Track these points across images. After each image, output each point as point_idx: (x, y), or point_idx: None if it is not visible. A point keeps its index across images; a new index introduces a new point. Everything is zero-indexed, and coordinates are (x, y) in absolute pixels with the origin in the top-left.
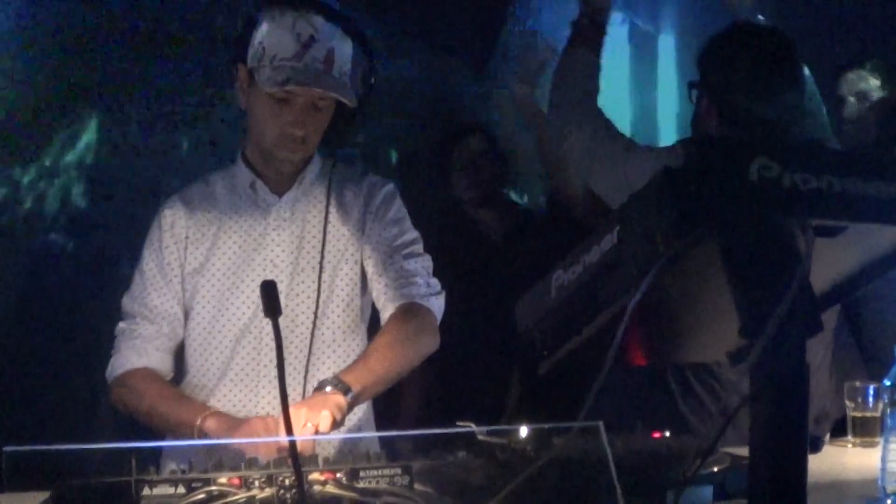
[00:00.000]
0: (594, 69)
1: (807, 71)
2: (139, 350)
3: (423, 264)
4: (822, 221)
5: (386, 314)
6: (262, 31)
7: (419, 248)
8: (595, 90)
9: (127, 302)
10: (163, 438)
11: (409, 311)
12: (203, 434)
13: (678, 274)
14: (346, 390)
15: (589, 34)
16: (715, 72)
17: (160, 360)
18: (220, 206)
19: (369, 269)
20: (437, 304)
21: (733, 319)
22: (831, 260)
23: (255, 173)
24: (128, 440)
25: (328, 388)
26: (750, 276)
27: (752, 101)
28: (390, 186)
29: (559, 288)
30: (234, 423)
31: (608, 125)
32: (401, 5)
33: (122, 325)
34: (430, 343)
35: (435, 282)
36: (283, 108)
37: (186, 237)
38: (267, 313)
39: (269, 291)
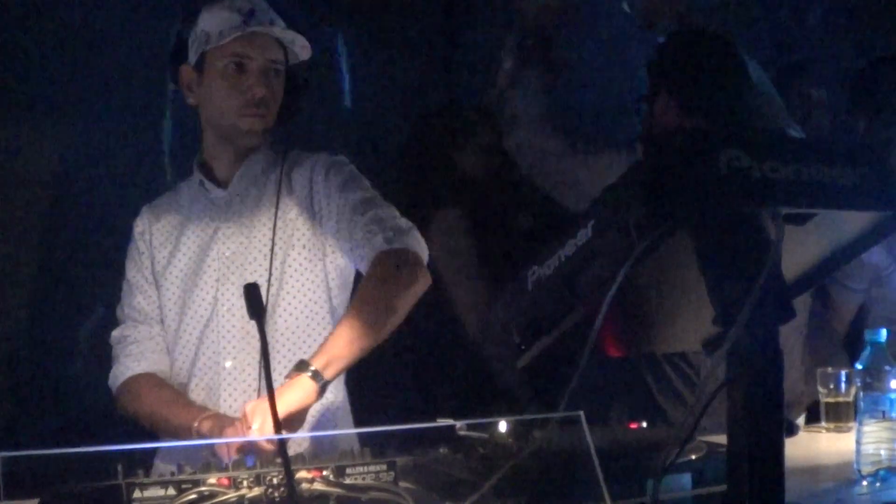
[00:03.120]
0: (543, 86)
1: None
2: (136, 355)
3: (383, 213)
4: (791, 209)
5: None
6: (201, 21)
7: (377, 201)
8: (547, 106)
9: (118, 310)
10: (157, 440)
11: (380, 262)
12: (200, 436)
13: (652, 265)
14: (314, 374)
15: (535, 53)
16: (674, 70)
17: (158, 361)
18: (183, 211)
19: (334, 243)
20: (412, 240)
21: (707, 309)
22: (801, 247)
23: (205, 172)
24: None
25: (294, 373)
26: (722, 265)
27: (707, 92)
28: (336, 157)
29: (535, 283)
30: (228, 424)
31: (568, 133)
32: (364, 8)
33: (115, 333)
34: (409, 281)
35: (403, 222)
36: (240, 75)
37: (152, 244)
38: (251, 315)
39: (252, 294)
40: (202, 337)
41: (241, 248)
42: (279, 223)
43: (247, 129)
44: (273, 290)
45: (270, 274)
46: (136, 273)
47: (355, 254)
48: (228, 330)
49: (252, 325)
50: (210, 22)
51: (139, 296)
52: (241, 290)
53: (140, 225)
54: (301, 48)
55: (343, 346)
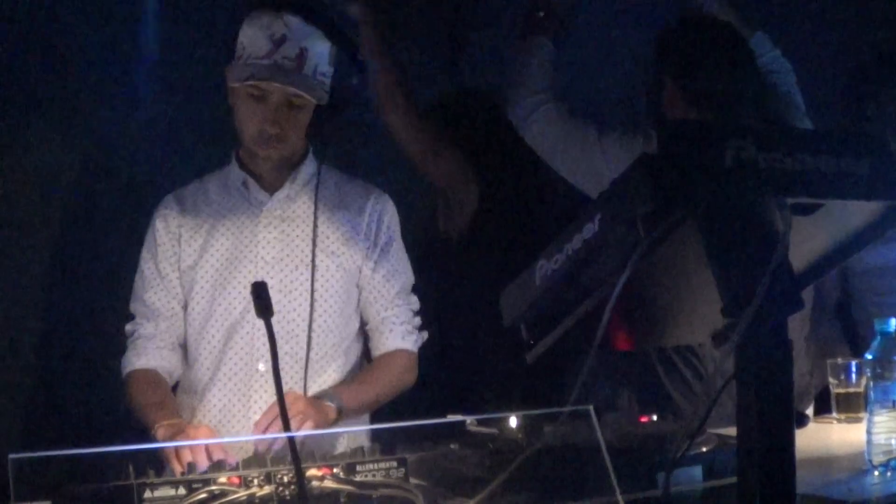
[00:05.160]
0: (550, 56)
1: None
2: (139, 350)
3: (408, 308)
4: (798, 199)
5: (374, 352)
6: (243, 31)
7: (408, 290)
8: (553, 78)
9: (131, 303)
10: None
11: (394, 357)
12: (157, 440)
13: (660, 258)
14: (339, 406)
15: (544, 23)
16: (677, 59)
17: (161, 358)
18: (213, 205)
19: (361, 301)
20: (419, 342)
21: (715, 300)
22: (809, 237)
23: (248, 172)
24: (128, 443)
25: (325, 400)
26: (730, 256)
27: (713, 80)
28: (393, 212)
29: (543, 277)
30: (179, 432)
31: (573, 113)
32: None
33: (127, 326)
34: (409, 382)
35: (417, 321)
36: (258, 105)
37: (180, 235)
38: (259, 314)
39: (260, 292)
40: (230, 338)
41: (282, 254)
42: (321, 235)
43: (263, 155)
44: (317, 295)
45: (313, 282)
46: (151, 266)
47: (378, 321)
48: (264, 333)
49: (287, 330)
50: (246, 36)
51: (150, 291)
52: (280, 295)
53: (164, 215)
54: (315, 96)
55: (361, 405)
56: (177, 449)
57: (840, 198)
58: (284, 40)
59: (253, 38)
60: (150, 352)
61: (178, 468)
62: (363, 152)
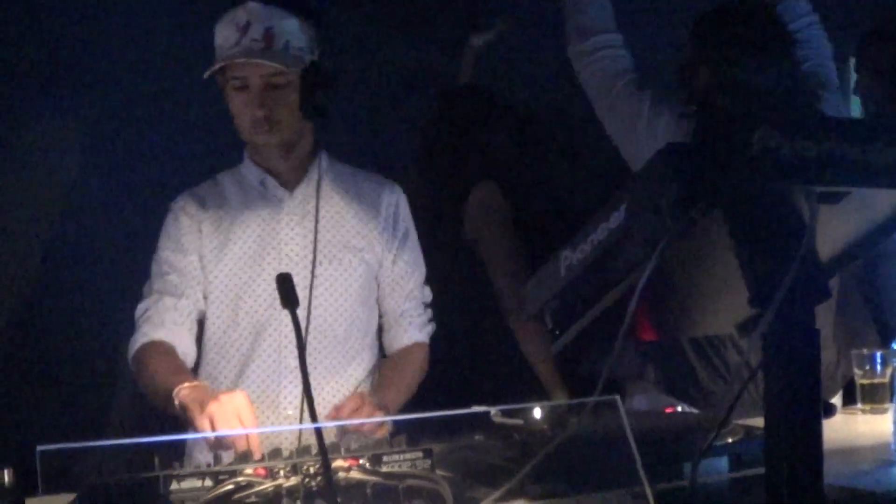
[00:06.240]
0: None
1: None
2: (154, 322)
3: (422, 301)
4: (824, 188)
5: (392, 343)
6: (216, 34)
7: (422, 282)
8: (611, 21)
9: (145, 288)
10: (185, 429)
11: (413, 352)
12: (181, 404)
13: (686, 247)
14: (386, 411)
15: None
16: (713, 46)
17: (176, 334)
18: (230, 203)
19: (379, 293)
20: (430, 333)
21: (741, 290)
22: (835, 226)
23: (264, 170)
24: (152, 434)
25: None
26: (756, 245)
27: (749, 72)
28: (406, 204)
29: (568, 268)
30: (207, 395)
31: (629, 67)
32: None
33: (140, 305)
34: (424, 374)
35: (429, 313)
36: (243, 95)
37: (200, 229)
38: (284, 305)
39: (286, 283)
40: (258, 335)
41: (306, 250)
42: (342, 231)
43: (262, 143)
44: (342, 289)
45: (336, 278)
46: (171, 249)
47: (396, 314)
48: (289, 325)
49: (315, 325)
50: (217, 36)
51: (170, 272)
52: (305, 291)
53: (183, 208)
54: (285, 65)
55: (398, 405)
56: (211, 417)
57: (867, 186)
58: (249, 25)
59: (222, 33)
60: (166, 325)
61: (207, 429)
62: (363, 149)
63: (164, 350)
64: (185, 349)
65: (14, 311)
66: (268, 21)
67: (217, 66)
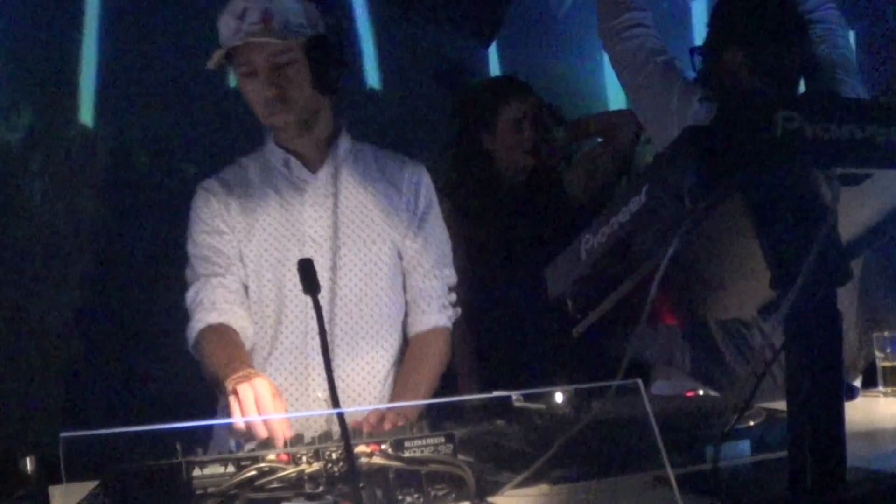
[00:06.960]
0: None
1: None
2: (206, 307)
3: (444, 282)
4: (846, 170)
5: (413, 326)
6: (218, 29)
7: (444, 262)
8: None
9: (188, 274)
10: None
11: (436, 339)
12: (232, 393)
13: (707, 231)
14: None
15: None
16: (742, 27)
17: (229, 313)
18: (255, 186)
19: (404, 249)
20: (453, 317)
21: (763, 273)
22: (857, 208)
23: (288, 151)
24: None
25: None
26: (778, 228)
27: (782, 51)
28: (429, 182)
29: (589, 251)
30: (244, 379)
31: (660, 47)
32: None
33: (189, 294)
34: (448, 361)
35: (452, 297)
36: (252, 81)
37: (228, 211)
38: (306, 290)
39: (307, 269)
40: (283, 319)
41: (330, 231)
42: (367, 213)
43: (279, 124)
44: (366, 272)
45: (361, 260)
46: (206, 231)
47: (415, 293)
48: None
49: (340, 307)
50: (220, 28)
51: (213, 254)
52: (330, 273)
53: (209, 190)
54: (285, 40)
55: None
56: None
57: (889, 167)
58: (245, 11)
59: (223, 25)
60: (219, 306)
61: (238, 413)
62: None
63: (217, 336)
64: (242, 325)
65: (41, 302)
66: (265, 4)
67: (218, 55)
